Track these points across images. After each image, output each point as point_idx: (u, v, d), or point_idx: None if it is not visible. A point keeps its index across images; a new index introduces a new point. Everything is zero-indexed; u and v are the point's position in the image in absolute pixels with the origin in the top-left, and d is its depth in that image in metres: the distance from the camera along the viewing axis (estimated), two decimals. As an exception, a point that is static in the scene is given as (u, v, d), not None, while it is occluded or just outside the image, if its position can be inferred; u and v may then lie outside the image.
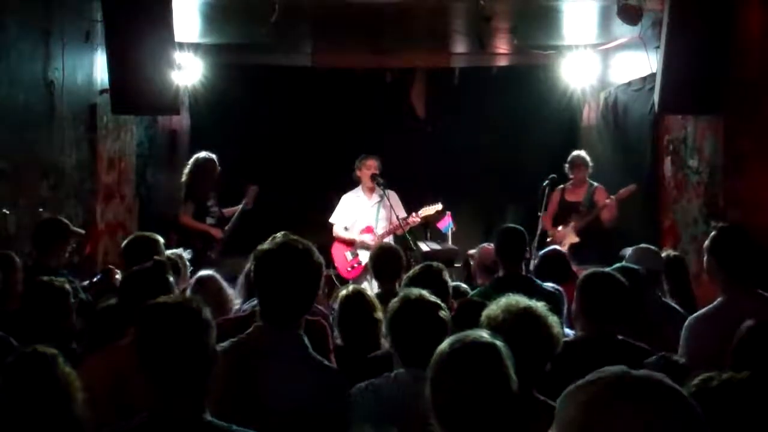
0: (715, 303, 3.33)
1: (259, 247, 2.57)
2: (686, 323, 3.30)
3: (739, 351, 2.47)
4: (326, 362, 2.59)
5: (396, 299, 2.80)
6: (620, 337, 3.20)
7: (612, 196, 6.58)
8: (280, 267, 2.49)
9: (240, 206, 6.78)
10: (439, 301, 2.75)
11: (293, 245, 2.53)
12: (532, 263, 6.36)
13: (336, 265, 7.06)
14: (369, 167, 6.89)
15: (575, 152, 7.01)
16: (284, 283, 2.49)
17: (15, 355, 2.42)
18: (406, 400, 2.52)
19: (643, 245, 4.49)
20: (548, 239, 6.78)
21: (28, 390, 2.31)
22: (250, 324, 2.61)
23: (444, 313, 2.71)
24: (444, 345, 2.09)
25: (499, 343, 2.08)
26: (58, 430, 2.31)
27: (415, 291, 2.81)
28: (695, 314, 3.35)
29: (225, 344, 2.45)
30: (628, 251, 4.82)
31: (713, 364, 2.56)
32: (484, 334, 2.11)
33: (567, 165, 6.92)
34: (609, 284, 3.25)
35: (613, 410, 1.17)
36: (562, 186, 6.97)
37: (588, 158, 6.93)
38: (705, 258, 3.37)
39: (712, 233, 3.38)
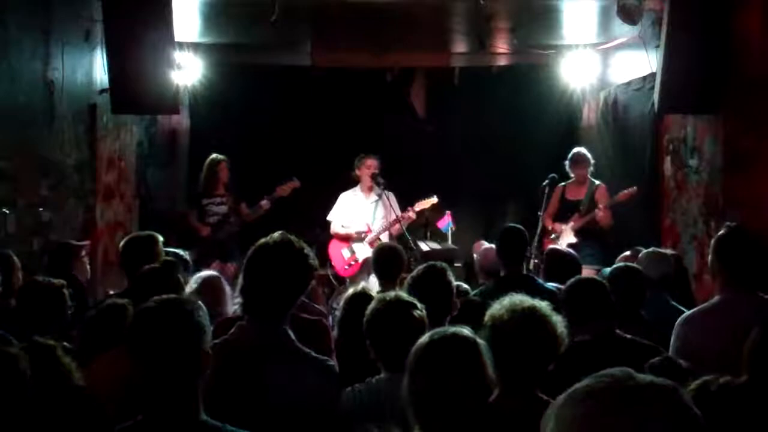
0: (709, 302, 3.32)
1: (259, 242, 2.60)
2: (678, 321, 3.28)
3: (756, 353, 2.42)
4: (314, 354, 2.57)
5: (372, 303, 2.80)
6: (624, 335, 3.19)
7: (601, 205, 6.53)
8: (274, 259, 2.51)
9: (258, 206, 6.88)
10: (415, 302, 2.75)
11: (290, 242, 2.56)
12: (533, 263, 6.38)
13: (333, 263, 7.10)
14: (369, 167, 6.95)
15: (576, 149, 6.95)
16: (274, 275, 2.49)
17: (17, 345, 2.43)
18: (384, 406, 2.51)
19: (653, 249, 4.47)
20: (551, 236, 6.77)
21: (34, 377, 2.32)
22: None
23: (420, 313, 2.70)
24: (425, 337, 2.12)
25: (479, 339, 2.10)
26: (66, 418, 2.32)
27: (392, 293, 2.80)
28: (686, 314, 3.33)
29: None
30: (625, 253, 4.82)
31: (703, 363, 2.56)
32: (465, 330, 2.12)
33: (568, 162, 6.84)
34: (589, 288, 3.28)
35: (612, 423, 1.11)
36: (563, 183, 6.92)
37: (589, 155, 6.88)
38: (710, 256, 3.36)
39: (719, 232, 3.36)
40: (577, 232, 6.69)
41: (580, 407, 1.15)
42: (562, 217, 6.84)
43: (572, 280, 3.45)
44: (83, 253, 4.83)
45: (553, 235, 6.73)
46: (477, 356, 2.05)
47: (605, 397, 1.14)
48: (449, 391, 1.99)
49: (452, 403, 1.99)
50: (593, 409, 1.13)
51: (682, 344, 3.17)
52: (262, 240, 2.59)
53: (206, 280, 4.06)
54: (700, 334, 3.12)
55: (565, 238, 6.66)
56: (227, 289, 4.10)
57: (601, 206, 6.53)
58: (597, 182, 6.86)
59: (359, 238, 6.96)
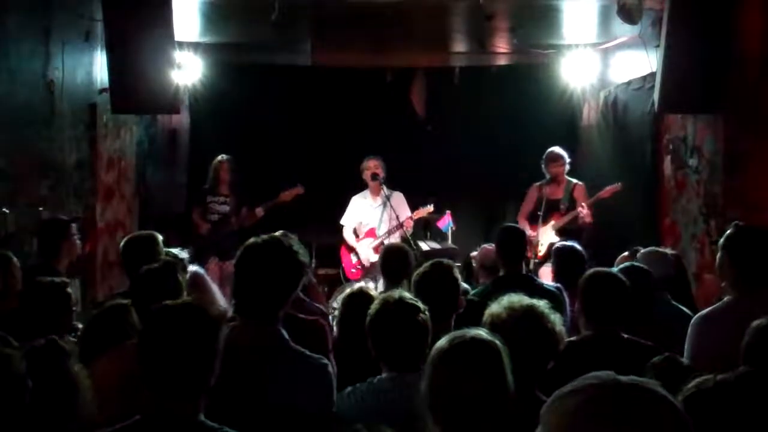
0: (723, 302, 3.29)
1: (247, 242, 2.61)
2: (692, 322, 3.26)
3: (750, 351, 2.43)
4: (308, 353, 2.56)
5: (375, 302, 2.80)
6: (625, 336, 3.18)
7: (583, 204, 6.52)
8: (263, 259, 2.51)
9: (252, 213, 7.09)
10: (419, 304, 2.74)
11: (279, 240, 2.57)
12: (532, 262, 6.38)
13: (344, 265, 7.27)
14: (368, 168, 7.07)
15: (551, 148, 6.89)
16: (263, 274, 2.50)
17: (30, 346, 2.41)
18: (386, 406, 2.51)
19: (653, 249, 4.45)
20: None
21: (39, 381, 2.31)
22: None
23: (423, 316, 2.70)
24: (443, 341, 2.09)
25: (498, 342, 2.08)
26: (63, 425, 2.31)
27: (395, 294, 2.80)
28: (701, 313, 3.31)
29: None
30: (624, 254, 4.79)
31: (720, 364, 2.55)
32: (483, 332, 2.11)
33: (543, 160, 6.80)
34: (610, 283, 3.24)
35: (597, 425, 1.12)
36: (539, 183, 6.89)
37: (564, 153, 6.85)
38: (718, 254, 3.33)
39: (728, 230, 3.33)
40: (559, 232, 6.65)
41: (566, 403, 1.16)
42: (543, 216, 6.71)
43: (593, 271, 3.38)
44: (73, 230, 4.75)
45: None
46: (497, 359, 2.03)
47: (590, 396, 1.14)
48: (468, 395, 1.97)
49: (471, 406, 1.97)
50: (579, 405, 1.14)
51: (699, 344, 3.15)
52: (251, 240, 2.60)
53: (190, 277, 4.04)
54: (717, 333, 3.09)
55: (547, 238, 6.64)
56: (211, 284, 4.08)
57: (583, 204, 6.52)
58: (575, 181, 6.85)
59: (364, 253, 7.09)
